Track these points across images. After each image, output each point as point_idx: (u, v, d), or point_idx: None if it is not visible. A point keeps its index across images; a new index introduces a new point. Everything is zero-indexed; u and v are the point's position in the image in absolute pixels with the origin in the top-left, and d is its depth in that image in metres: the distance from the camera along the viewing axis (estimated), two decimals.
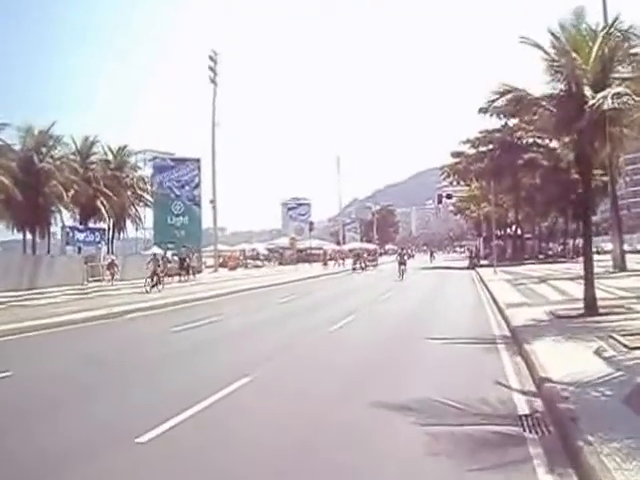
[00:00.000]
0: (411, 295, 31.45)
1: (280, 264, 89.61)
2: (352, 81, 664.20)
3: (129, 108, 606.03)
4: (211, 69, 74.65)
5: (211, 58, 74.22)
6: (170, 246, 68.73)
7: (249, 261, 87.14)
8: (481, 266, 62.46)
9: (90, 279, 49.74)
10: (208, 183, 74.61)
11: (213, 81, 74.98)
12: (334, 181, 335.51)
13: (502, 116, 69.39)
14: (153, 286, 38.05)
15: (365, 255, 67.61)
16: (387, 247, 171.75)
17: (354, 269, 61.56)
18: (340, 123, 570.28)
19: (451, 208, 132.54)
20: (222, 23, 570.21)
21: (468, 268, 63.54)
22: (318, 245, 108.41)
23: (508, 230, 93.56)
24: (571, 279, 33.92)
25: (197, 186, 73.41)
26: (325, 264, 75.79)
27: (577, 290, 25.36)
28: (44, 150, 56.93)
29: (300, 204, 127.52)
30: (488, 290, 30.87)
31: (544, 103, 18.88)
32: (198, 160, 74.32)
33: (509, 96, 19.10)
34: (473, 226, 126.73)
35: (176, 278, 51.55)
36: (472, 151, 72.38)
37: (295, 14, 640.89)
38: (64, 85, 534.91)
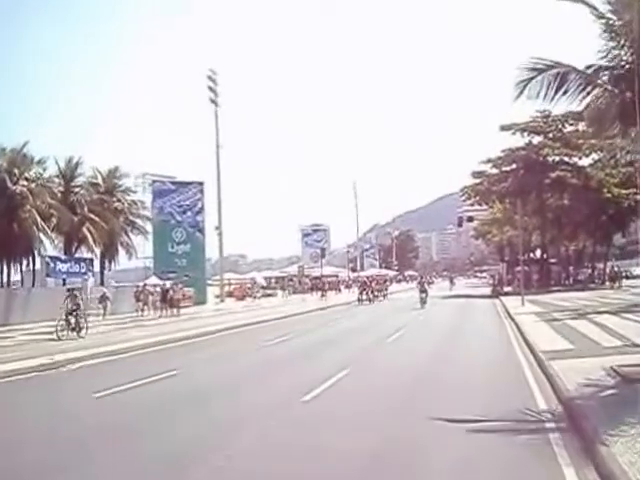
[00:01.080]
0: (424, 337, 25.72)
1: (294, 292, 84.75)
2: (370, 104, 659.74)
3: (130, 133, 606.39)
4: (211, 89, 70.78)
5: (210, 78, 70.40)
6: (171, 275, 64.50)
7: (260, 290, 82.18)
8: (505, 294, 57.32)
9: None
10: (213, 208, 70.45)
11: (214, 102, 71.08)
12: (353, 207, 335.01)
13: (527, 133, 65.74)
14: (73, 329, 29.50)
15: (373, 284, 59.02)
16: (407, 273, 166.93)
17: (359, 300, 53.21)
18: (357, 147, 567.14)
19: (472, 232, 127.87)
20: (229, 42, 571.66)
21: (491, 297, 58.30)
22: (334, 272, 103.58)
23: (532, 255, 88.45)
24: (614, 312, 29.04)
25: (200, 211, 68.75)
26: (324, 295, 67.85)
27: (630, 329, 20.61)
28: (17, 171, 52.23)
29: (316, 230, 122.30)
30: (518, 328, 25.75)
31: (601, 81, 13.24)
32: (201, 184, 69.74)
33: (552, 72, 13.37)
34: (495, 250, 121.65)
35: (159, 312, 47.16)
36: (494, 171, 67.51)
37: (309, 33, 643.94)
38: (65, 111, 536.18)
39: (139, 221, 64.40)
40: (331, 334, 28.49)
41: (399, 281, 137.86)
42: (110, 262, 61.88)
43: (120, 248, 62.58)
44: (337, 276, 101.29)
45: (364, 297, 53.45)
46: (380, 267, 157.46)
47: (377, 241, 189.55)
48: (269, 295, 77.70)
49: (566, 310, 33.32)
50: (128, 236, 63.54)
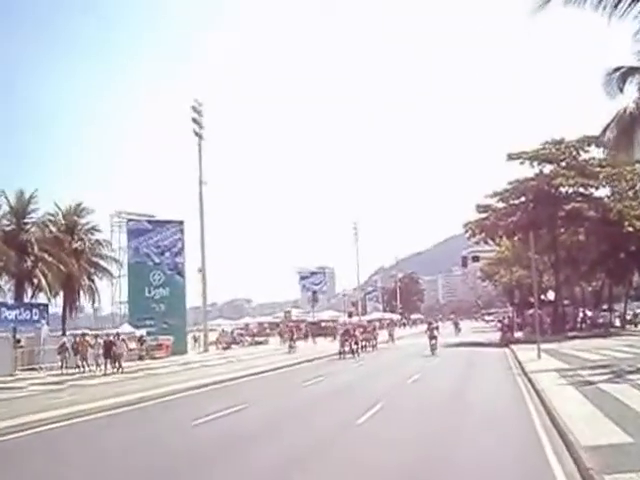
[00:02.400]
0: (412, 416, 17.85)
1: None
2: (373, 144, 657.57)
3: (108, 170, 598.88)
4: (195, 121, 65.64)
5: (194, 109, 65.20)
6: (148, 322, 59.03)
7: (247, 338, 75.92)
8: (516, 342, 51.00)
9: (24, 367, 42.00)
10: (196, 247, 64.98)
11: (198, 134, 65.85)
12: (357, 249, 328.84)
13: (536, 163, 59.75)
14: None
15: (357, 332, 47.32)
16: (412, 317, 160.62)
17: (341, 354, 43.57)
18: (361, 189, 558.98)
19: (479, 274, 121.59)
20: (219, 73, 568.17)
21: (500, 345, 51.91)
22: (332, 317, 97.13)
23: (544, 296, 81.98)
24: None
25: (180, 252, 63.11)
26: (292, 347, 53.71)
27: None
28: None
29: (314, 273, 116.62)
30: (539, 396, 19.40)
31: None
32: (181, 222, 64.22)
33: None
34: (503, 292, 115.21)
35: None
36: (501, 205, 61.33)
37: (306, 63, 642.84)
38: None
39: (104, 263, 57.92)
40: (296, 406, 22.17)
41: (403, 325, 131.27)
42: (71, 309, 55.28)
43: (83, 293, 55.93)
44: (335, 321, 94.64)
45: (346, 349, 43.66)
46: (384, 311, 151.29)
47: (382, 284, 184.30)
48: (259, 343, 71.22)
49: (595, 366, 26.73)
50: (92, 280, 57.06)
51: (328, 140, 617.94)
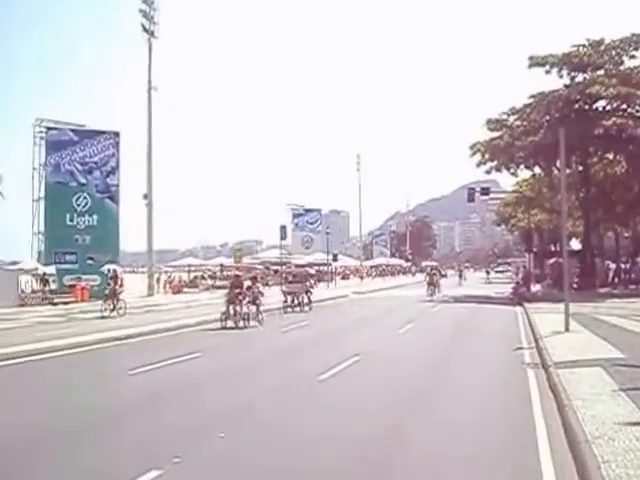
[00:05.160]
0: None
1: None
2: (382, 76, 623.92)
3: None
4: (143, 13, 53.41)
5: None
6: (69, 258, 46.88)
7: (207, 282, 63.56)
8: (532, 298, 38.57)
9: None
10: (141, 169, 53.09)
11: (147, 30, 53.50)
12: (375, 193, 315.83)
13: (566, 70, 46.03)
14: None
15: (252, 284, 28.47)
16: (424, 264, 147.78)
17: (222, 320, 25.84)
18: (373, 126, 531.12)
19: (494, 217, 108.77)
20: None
21: (512, 302, 39.35)
22: (311, 261, 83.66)
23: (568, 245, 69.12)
24: None
25: (113, 172, 50.62)
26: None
27: None
28: None
29: (308, 210, 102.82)
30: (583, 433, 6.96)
31: None
32: (116, 134, 51.53)
33: None
34: (520, 239, 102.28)
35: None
36: (519, 123, 47.85)
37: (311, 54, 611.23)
38: None
39: None
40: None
41: (413, 273, 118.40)
42: None
43: None
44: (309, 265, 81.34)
45: (231, 311, 26.14)
46: (392, 256, 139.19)
47: (396, 229, 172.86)
48: (220, 287, 58.43)
49: None
50: None
51: (331, 68, 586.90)
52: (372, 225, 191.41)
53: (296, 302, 33.88)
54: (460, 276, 70.89)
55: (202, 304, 39.68)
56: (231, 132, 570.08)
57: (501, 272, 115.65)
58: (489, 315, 32.07)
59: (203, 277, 67.00)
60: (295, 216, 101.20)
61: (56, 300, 41.74)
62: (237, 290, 26.41)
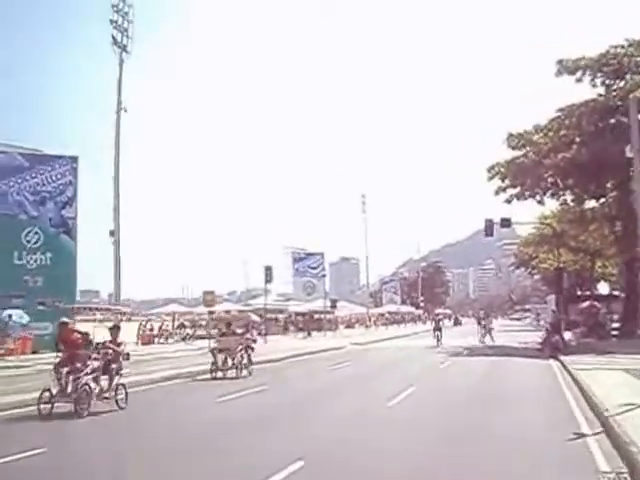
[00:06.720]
0: None
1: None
2: (391, 120, 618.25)
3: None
4: (114, 24, 47.63)
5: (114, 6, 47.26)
6: (16, 302, 39.82)
7: (187, 332, 56.07)
8: (567, 351, 31.13)
9: None
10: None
11: (118, 43, 47.43)
12: (386, 241, 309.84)
13: (600, 78, 38.49)
14: None
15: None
16: (438, 311, 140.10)
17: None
18: (381, 173, 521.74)
19: (512, 260, 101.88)
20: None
21: (541, 354, 31.96)
22: (311, 309, 76.60)
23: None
24: None
25: (70, 203, 43.56)
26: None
27: None
28: None
29: (310, 254, 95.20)
30: None
31: None
32: (74, 159, 44.69)
33: None
34: (542, 282, 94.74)
35: None
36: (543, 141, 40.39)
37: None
38: None
39: None
40: None
41: (423, 321, 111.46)
42: None
43: None
44: (328, 313, 73.98)
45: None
46: (402, 303, 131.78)
47: (408, 275, 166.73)
48: (201, 337, 50.60)
49: None
50: None
51: (333, 107, 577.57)
52: (383, 272, 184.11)
53: (230, 363, 24.37)
54: (479, 324, 57.31)
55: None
56: (225, 173, 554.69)
57: (517, 319, 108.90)
58: (518, 373, 24.47)
59: (183, 325, 59.32)
60: (296, 260, 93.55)
61: None
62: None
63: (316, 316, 74.68)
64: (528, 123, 42.44)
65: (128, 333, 47.87)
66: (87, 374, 15.39)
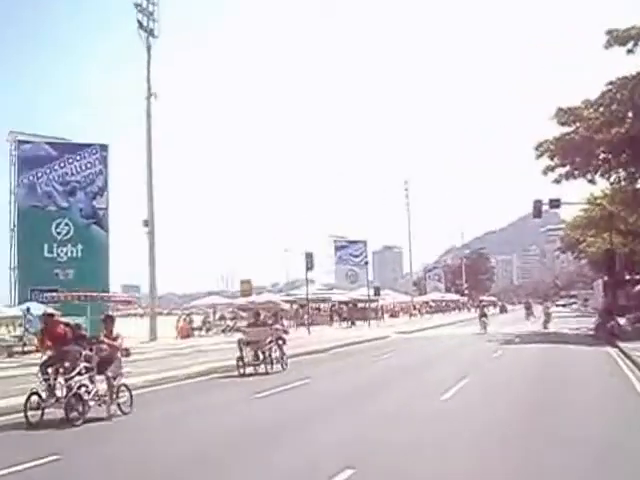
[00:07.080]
0: None
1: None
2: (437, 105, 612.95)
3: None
4: (140, 9, 45.60)
5: None
6: (48, 296, 38.78)
7: (228, 323, 54.61)
8: (621, 336, 29.17)
9: None
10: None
11: (145, 28, 46.21)
12: (429, 229, 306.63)
13: None
14: None
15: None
16: (482, 298, 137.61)
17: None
18: (430, 162, 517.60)
19: (558, 244, 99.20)
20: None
21: (596, 341, 30.16)
22: (354, 297, 74.39)
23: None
24: None
25: (101, 193, 42.61)
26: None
27: None
28: None
29: (352, 242, 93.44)
30: None
31: None
32: (104, 147, 43.68)
33: None
34: (590, 267, 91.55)
35: None
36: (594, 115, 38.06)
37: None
38: None
39: None
40: None
41: (469, 308, 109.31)
42: None
43: None
44: (372, 302, 71.91)
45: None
46: (447, 290, 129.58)
47: (451, 262, 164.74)
48: (235, 329, 49.03)
49: None
50: None
51: (375, 95, 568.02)
52: (426, 260, 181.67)
53: (261, 357, 22.17)
54: (527, 310, 60.48)
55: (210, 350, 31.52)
56: (268, 161, 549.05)
57: (562, 306, 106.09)
58: (577, 361, 22.57)
59: (223, 317, 58.03)
60: (338, 249, 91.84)
61: (15, 349, 33.22)
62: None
63: (360, 305, 72.72)
64: (576, 99, 40.32)
65: (168, 327, 47.12)
66: (80, 374, 13.31)
